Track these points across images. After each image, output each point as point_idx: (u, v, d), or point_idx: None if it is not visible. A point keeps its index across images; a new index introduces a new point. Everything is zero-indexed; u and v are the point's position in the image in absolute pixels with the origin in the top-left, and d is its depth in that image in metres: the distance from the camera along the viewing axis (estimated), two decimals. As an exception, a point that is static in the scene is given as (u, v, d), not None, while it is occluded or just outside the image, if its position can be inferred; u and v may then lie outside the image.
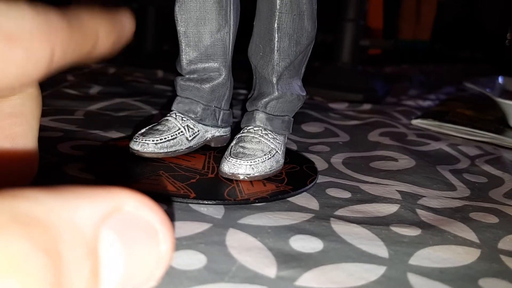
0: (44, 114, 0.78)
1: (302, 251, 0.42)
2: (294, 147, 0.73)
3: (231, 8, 0.62)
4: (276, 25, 0.58)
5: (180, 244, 0.41)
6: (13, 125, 0.29)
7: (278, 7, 0.58)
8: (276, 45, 0.59)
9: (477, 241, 0.47)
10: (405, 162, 0.70)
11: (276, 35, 0.58)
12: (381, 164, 0.69)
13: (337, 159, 0.69)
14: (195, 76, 0.63)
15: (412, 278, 0.39)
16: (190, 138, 0.63)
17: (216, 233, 0.44)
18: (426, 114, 0.99)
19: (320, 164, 0.66)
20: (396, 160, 0.71)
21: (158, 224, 0.15)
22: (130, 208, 0.14)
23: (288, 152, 0.67)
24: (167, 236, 0.15)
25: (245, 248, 0.42)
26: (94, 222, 0.14)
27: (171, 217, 0.46)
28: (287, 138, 0.66)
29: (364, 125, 0.89)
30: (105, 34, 0.20)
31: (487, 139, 0.87)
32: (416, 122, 0.94)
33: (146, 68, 1.33)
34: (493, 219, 0.52)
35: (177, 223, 0.45)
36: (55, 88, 0.98)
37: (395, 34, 2.04)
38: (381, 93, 1.19)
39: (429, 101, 1.22)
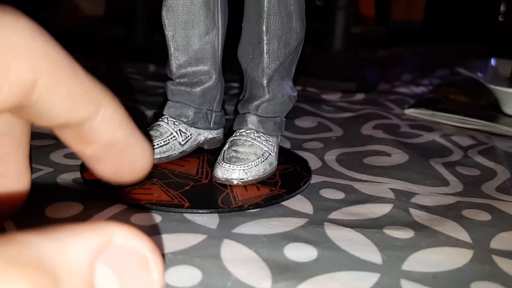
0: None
1: (296, 260, 0.43)
2: (287, 144, 0.73)
3: (219, 10, 0.61)
4: (264, 27, 0.58)
5: (176, 259, 0.42)
6: (2, 144, 0.28)
7: (265, 9, 0.57)
8: (265, 48, 0.58)
9: (470, 241, 0.48)
10: (398, 157, 0.70)
11: (264, 37, 0.58)
12: (374, 160, 0.69)
13: (330, 156, 0.69)
14: (185, 80, 0.63)
15: (405, 284, 0.40)
16: (183, 143, 0.63)
17: (211, 245, 0.44)
18: (419, 102, 0.99)
19: (313, 162, 0.67)
20: (389, 155, 0.71)
21: (148, 253, 0.15)
22: (120, 240, 0.15)
23: (281, 151, 0.67)
24: (157, 264, 0.15)
25: (240, 260, 0.42)
26: (88, 259, 0.14)
27: (166, 229, 0.46)
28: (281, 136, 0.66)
29: (357, 118, 0.89)
30: (109, 117, 0.18)
31: (480, 126, 0.88)
32: (409, 111, 0.94)
33: (138, 62, 1.32)
34: (485, 216, 0.53)
35: (172, 236, 0.45)
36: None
37: (387, 19, 2.02)
38: (374, 81, 1.19)
39: (423, 86, 1.22)
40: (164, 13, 0.61)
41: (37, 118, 0.18)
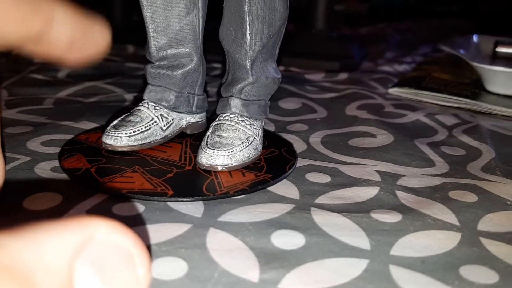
0: (11, 105, 0.76)
1: (284, 248, 0.42)
2: (272, 127, 0.72)
3: (199, -11, 0.59)
4: (246, 7, 0.56)
5: (160, 250, 0.40)
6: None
7: (247, -12, 0.55)
8: (248, 29, 0.56)
9: (457, 223, 0.47)
10: (383, 137, 0.69)
11: (247, 18, 0.56)
12: (359, 141, 0.68)
13: (315, 138, 0.69)
14: (165, 63, 0.61)
15: (394, 270, 0.40)
16: (164, 128, 0.61)
17: (197, 234, 0.43)
18: (403, 81, 0.99)
19: (298, 145, 0.66)
20: (374, 136, 0.70)
21: (132, 248, 0.15)
22: (102, 236, 0.14)
23: (266, 135, 0.66)
24: (142, 259, 0.15)
25: (227, 250, 0.41)
26: (66, 259, 0.13)
27: (149, 219, 0.45)
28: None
29: (341, 98, 0.88)
30: (64, 19, 0.18)
31: (464, 105, 0.87)
32: (393, 90, 0.94)
33: (116, 43, 1.28)
34: (472, 197, 0.53)
35: (156, 226, 0.44)
36: (22, 73, 0.94)
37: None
38: (358, 59, 1.18)
39: (406, 64, 1.21)
40: (141, -7, 0.58)
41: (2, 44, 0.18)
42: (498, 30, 1.34)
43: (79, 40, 0.20)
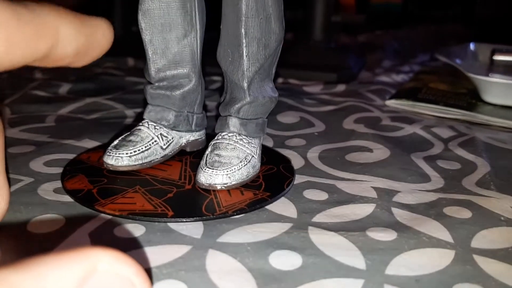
0: (14, 123, 0.77)
1: (281, 269, 0.43)
2: (270, 142, 0.73)
3: (196, 12, 0.60)
4: (243, 30, 0.57)
5: (161, 273, 0.41)
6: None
7: (244, 12, 0.56)
8: (244, 51, 0.58)
9: (451, 240, 0.48)
10: (380, 152, 0.70)
11: (244, 40, 0.57)
12: (356, 156, 0.69)
13: (313, 153, 0.70)
14: (164, 83, 0.62)
15: (389, 290, 0.41)
16: (164, 147, 0.62)
17: (196, 256, 0.44)
18: (400, 92, 1.00)
19: (296, 161, 0.67)
20: (371, 150, 0.71)
21: (134, 277, 0.15)
22: (105, 266, 0.14)
23: (264, 151, 0.67)
24: (144, 287, 0.15)
25: (226, 272, 0.42)
26: None
27: (151, 241, 0.46)
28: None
29: (339, 111, 0.90)
30: (69, 35, 0.18)
31: (460, 116, 0.88)
32: (390, 102, 0.95)
33: (116, 55, 1.29)
34: (466, 214, 0.54)
35: (157, 248, 0.45)
36: (23, 90, 0.95)
37: (367, 6, 2.01)
38: (355, 70, 1.19)
39: (403, 74, 1.23)
40: (140, 16, 0.60)
41: (7, 68, 0.18)
42: (496, 36, 1.35)
43: (84, 47, 0.20)
